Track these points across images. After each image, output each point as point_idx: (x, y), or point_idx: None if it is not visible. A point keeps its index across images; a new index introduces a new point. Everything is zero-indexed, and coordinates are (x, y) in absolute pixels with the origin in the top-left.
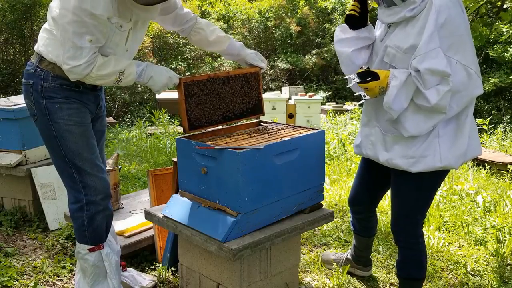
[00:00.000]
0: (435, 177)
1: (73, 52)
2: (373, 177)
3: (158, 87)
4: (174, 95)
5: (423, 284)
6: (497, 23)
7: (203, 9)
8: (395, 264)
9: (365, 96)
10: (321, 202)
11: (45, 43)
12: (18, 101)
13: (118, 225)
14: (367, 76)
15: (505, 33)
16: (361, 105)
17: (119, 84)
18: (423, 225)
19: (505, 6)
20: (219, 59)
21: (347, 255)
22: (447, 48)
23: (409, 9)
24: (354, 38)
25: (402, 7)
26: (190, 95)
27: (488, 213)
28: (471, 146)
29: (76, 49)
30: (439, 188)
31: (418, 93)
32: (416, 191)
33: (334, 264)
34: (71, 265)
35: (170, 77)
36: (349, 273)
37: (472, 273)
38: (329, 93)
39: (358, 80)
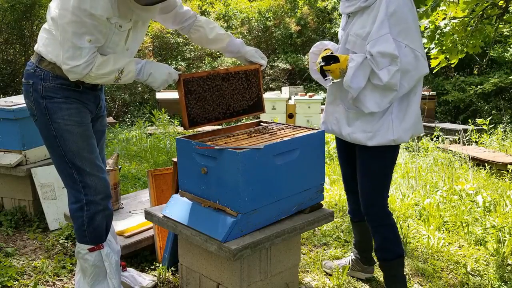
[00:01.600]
0: (390, 152)
1: (73, 52)
2: (349, 153)
3: (158, 83)
4: (174, 95)
5: (424, 284)
6: (500, 25)
7: (203, 8)
8: (376, 256)
9: (332, 80)
10: (321, 202)
11: (44, 43)
12: (18, 101)
13: (118, 225)
14: (330, 60)
15: (505, 33)
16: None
17: (119, 82)
18: (424, 224)
19: (510, 7)
20: (219, 59)
21: (351, 257)
22: (397, 33)
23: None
24: None
25: None
26: (190, 92)
27: (488, 213)
28: (418, 122)
29: (75, 49)
30: (438, 189)
31: (373, 73)
32: (378, 164)
33: (335, 265)
34: (71, 265)
35: (170, 73)
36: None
37: (472, 273)
38: None
39: (323, 63)
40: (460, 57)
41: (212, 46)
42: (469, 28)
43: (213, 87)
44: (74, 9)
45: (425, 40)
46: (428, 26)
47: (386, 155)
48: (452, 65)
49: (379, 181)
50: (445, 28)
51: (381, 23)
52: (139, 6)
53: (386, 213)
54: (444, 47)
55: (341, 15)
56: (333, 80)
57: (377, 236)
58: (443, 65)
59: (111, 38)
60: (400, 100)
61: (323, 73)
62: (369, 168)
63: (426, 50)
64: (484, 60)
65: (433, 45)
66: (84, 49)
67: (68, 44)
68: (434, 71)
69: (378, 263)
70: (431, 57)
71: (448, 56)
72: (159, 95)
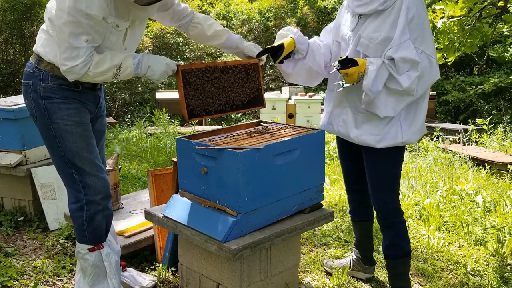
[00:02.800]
0: (397, 151)
1: (70, 53)
2: (351, 152)
3: (158, 75)
4: (174, 95)
5: (424, 284)
6: (499, 25)
7: (203, 9)
8: (384, 255)
9: (343, 85)
10: (321, 202)
11: (43, 43)
12: (18, 101)
13: (118, 225)
14: (347, 63)
15: (505, 33)
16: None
17: (118, 78)
18: (424, 224)
19: (508, 6)
20: (219, 59)
21: (352, 257)
22: (414, 39)
23: (381, 2)
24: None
25: (374, 0)
26: (189, 83)
27: (488, 213)
28: (424, 124)
29: (72, 49)
30: (438, 189)
31: (391, 78)
32: (387, 163)
33: (335, 265)
34: (71, 265)
35: (168, 63)
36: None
37: (472, 273)
38: None
39: (339, 67)
40: (457, 55)
41: (210, 43)
42: (467, 27)
43: (212, 79)
44: (70, 10)
45: None
46: None
47: (394, 154)
48: (449, 63)
49: (389, 179)
50: (443, 27)
51: (403, 28)
52: (137, 6)
53: (398, 210)
54: (441, 46)
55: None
56: (344, 84)
57: (389, 233)
58: (439, 63)
59: (108, 38)
60: (408, 105)
61: (276, 53)
62: (378, 168)
63: None
64: (482, 60)
65: None
66: (81, 49)
67: (65, 45)
68: None
69: (385, 262)
70: None
71: (445, 55)
72: (159, 95)
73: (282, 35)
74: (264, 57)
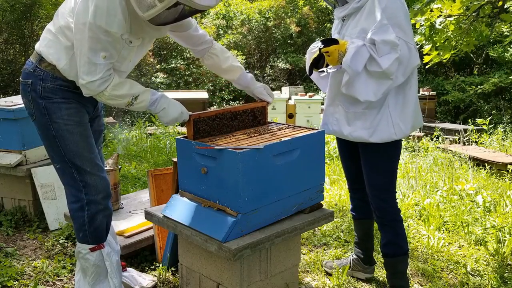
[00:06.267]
0: (392, 146)
1: (88, 68)
2: (350, 150)
3: (168, 119)
4: (174, 95)
5: (424, 284)
6: (498, 23)
7: None
8: (382, 254)
9: (327, 71)
10: (321, 202)
11: (47, 44)
12: (18, 101)
13: (118, 225)
14: (329, 42)
15: (505, 33)
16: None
17: (130, 108)
18: (424, 224)
19: (506, 6)
20: None
21: (352, 257)
22: (391, 26)
23: (356, 1)
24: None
25: (350, 2)
26: (199, 131)
27: (488, 213)
28: (417, 114)
29: (91, 64)
30: (438, 189)
31: (371, 60)
32: (383, 159)
33: (335, 265)
34: (71, 265)
35: (182, 112)
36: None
37: (472, 273)
38: None
39: (322, 46)
40: (453, 52)
41: (223, 75)
42: (464, 26)
43: (221, 126)
44: (90, 25)
45: (419, 37)
46: (423, 24)
47: (390, 150)
48: (444, 61)
49: (386, 177)
50: (439, 25)
51: (381, 15)
52: (151, 25)
53: (396, 208)
54: (438, 44)
55: None
56: (328, 68)
57: (387, 231)
58: (435, 61)
59: (120, 53)
60: (395, 93)
61: (317, 64)
62: (375, 165)
63: (419, 46)
64: (480, 59)
65: (425, 41)
66: (99, 66)
67: (84, 59)
68: (427, 66)
69: (383, 260)
70: (424, 52)
71: (441, 53)
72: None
73: (312, 52)
74: (272, 99)
